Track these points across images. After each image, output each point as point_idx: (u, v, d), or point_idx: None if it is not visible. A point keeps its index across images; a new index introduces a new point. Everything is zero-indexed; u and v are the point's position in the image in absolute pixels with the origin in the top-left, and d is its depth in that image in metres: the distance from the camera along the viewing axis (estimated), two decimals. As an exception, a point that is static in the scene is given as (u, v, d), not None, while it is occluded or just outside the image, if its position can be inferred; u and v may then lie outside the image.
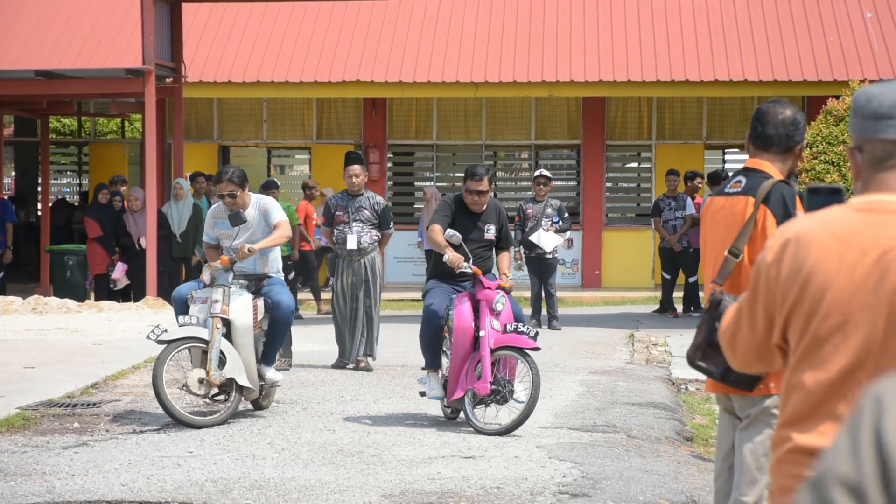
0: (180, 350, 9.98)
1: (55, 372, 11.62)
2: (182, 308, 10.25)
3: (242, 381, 9.96)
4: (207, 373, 9.87)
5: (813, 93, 23.52)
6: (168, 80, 20.49)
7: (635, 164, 26.40)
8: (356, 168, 13.43)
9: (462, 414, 10.07)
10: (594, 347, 15.46)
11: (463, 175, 10.45)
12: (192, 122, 25.53)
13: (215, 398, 10.11)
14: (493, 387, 9.63)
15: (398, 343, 15.61)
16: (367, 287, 13.35)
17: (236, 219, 10.36)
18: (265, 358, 10.41)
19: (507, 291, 9.90)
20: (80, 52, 23.43)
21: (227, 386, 9.99)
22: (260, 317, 10.30)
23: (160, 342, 9.84)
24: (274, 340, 10.44)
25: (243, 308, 10.06)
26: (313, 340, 15.68)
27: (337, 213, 13.44)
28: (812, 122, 21.63)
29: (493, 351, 9.67)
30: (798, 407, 2.93)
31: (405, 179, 26.62)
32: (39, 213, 26.24)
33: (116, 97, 21.58)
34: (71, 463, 8.62)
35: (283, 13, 24.87)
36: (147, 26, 18.90)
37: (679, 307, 19.91)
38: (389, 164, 26.01)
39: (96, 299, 19.94)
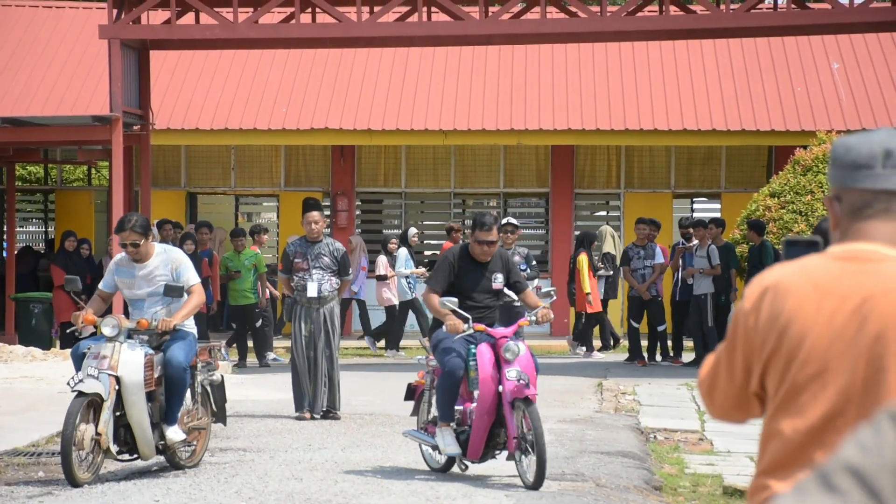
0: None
1: (20, 421, 11.60)
2: (80, 365, 9.80)
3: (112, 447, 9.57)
4: (99, 433, 9.43)
5: (780, 142, 23.76)
6: (135, 128, 20.54)
7: (604, 213, 26.56)
8: (315, 215, 13.35)
9: (456, 467, 9.96)
10: (562, 396, 15.51)
11: (471, 223, 10.31)
12: (160, 170, 25.56)
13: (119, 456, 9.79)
14: (516, 440, 9.42)
15: (366, 391, 15.62)
16: (326, 337, 13.25)
17: (174, 291, 9.90)
18: (166, 417, 9.91)
19: (540, 322, 9.89)
20: (47, 99, 23.47)
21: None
22: (157, 374, 9.84)
23: (76, 391, 9.45)
24: (171, 399, 9.93)
25: (133, 365, 9.61)
26: (281, 389, 15.67)
27: (296, 259, 13.32)
28: (780, 172, 21.87)
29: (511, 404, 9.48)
30: (776, 455, 2.93)
31: (374, 227, 26.67)
32: (5, 259, 26.15)
33: (83, 144, 21.61)
34: (36, 512, 8.59)
35: (252, 60, 24.99)
36: (114, 73, 18.96)
37: (647, 355, 20.01)
38: (358, 212, 26.07)
39: (62, 347, 19.88)
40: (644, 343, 20.07)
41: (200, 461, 10.37)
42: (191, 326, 10.23)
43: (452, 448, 9.70)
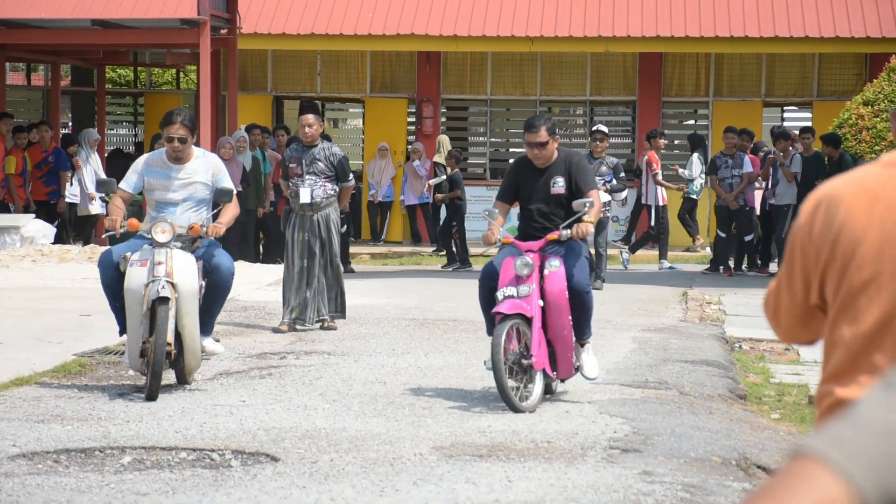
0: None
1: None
2: (110, 275, 9.33)
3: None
4: (169, 343, 9.02)
5: (876, 49, 23.26)
6: (223, 32, 20.58)
7: (692, 122, 26.25)
8: (310, 117, 12.59)
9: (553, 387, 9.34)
10: (646, 305, 15.45)
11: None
12: (247, 74, 25.62)
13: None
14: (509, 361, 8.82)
15: (448, 298, 15.68)
16: (321, 244, 12.59)
17: (224, 195, 9.51)
18: (203, 327, 9.46)
19: (576, 237, 8.99)
20: (136, 1, 23.53)
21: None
22: (200, 282, 9.42)
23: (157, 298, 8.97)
24: (213, 307, 9.59)
25: (189, 272, 9.15)
26: (366, 294, 15.77)
27: (291, 164, 12.63)
28: (874, 80, 21.44)
29: (506, 318, 8.81)
30: (839, 361, 2.96)
31: (459, 134, 26.60)
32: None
33: (172, 48, 21.70)
34: (126, 409, 8.75)
35: (339, -35, 24.86)
36: (203, -23, 18.96)
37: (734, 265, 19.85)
38: (443, 119, 25.99)
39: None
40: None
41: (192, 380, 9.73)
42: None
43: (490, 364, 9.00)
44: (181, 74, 29.30)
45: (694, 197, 21.54)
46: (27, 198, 21.14)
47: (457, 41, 23.95)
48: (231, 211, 9.67)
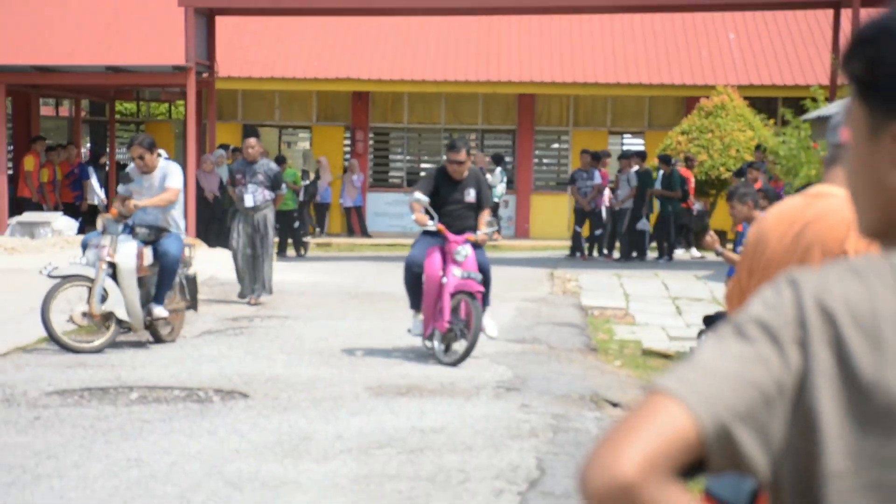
0: (71, 286, 8.81)
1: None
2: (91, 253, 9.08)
3: (121, 314, 8.86)
4: (90, 306, 8.82)
5: (690, 94, 23.60)
6: (204, 75, 20.31)
7: (556, 146, 26.42)
8: (252, 140, 12.49)
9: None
10: (524, 282, 15.53)
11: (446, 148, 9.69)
12: (223, 107, 25.30)
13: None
14: (448, 325, 8.86)
15: (376, 277, 15.64)
16: (261, 237, 12.27)
17: (125, 177, 9.37)
18: (155, 297, 9.20)
19: (477, 245, 9.09)
20: (139, 51, 23.15)
21: (108, 318, 8.91)
22: (147, 262, 9.13)
23: (51, 277, 8.71)
24: (161, 283, 9.22)
25: (128, 253, 8.94)
26: (311, 273, 15.68)
27: (237, 175, 12.44)
28: (688, 115, 21.74)
29: (452, 295, 8.89)
30: None
31: (383, 153, 26.53)
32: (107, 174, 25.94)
33: (166, 87, 21.36)
34: (133, 358, 8.64)
35: (294, 24, 24.66)
36: (189, 32, 18.71)
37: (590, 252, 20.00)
38: (371, 142, 25.90)
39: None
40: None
41: (177, 338, 9.58)
42: (179, 230, 9.44)
43: (418, 330, 9.03)
44: (172, 107, 28.87)
45: (497, 200, 21.81)
46: (56, 200, 20.84)
47: (382, 83, 23.88)
48: (159, 195, 9.23)
